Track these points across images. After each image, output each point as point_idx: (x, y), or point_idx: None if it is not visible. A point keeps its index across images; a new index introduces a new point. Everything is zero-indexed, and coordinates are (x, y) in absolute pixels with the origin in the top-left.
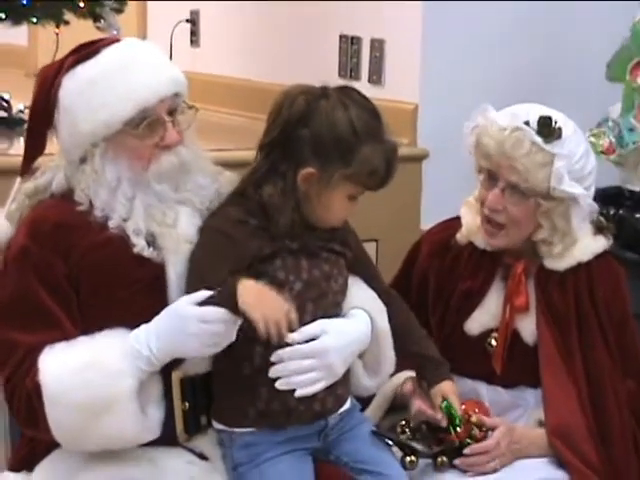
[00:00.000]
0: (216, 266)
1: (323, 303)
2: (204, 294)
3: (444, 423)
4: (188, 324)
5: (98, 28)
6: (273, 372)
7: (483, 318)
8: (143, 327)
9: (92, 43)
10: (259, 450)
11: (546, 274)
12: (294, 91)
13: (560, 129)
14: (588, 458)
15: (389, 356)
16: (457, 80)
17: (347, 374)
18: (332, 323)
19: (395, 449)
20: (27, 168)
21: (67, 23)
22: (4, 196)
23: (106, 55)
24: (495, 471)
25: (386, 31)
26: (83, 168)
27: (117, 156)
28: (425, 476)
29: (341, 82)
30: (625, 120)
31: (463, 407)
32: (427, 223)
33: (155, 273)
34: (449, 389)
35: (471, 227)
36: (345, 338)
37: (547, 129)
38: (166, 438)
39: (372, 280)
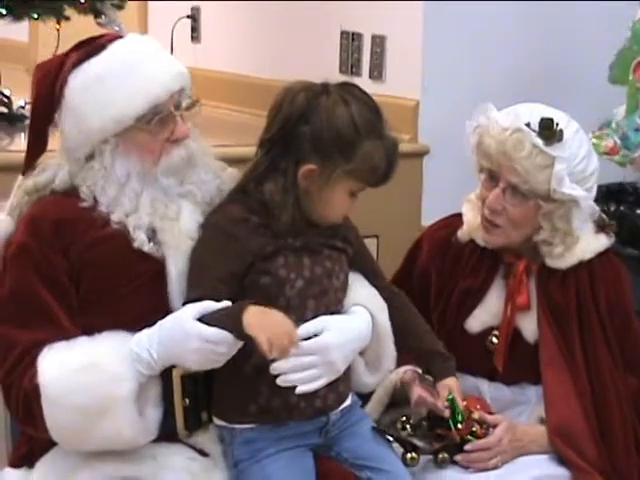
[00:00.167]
0: (217, 264)
1: (325, 300)
2: (209, 306)
3: (446, 413)
4: (191, 341)
5: (99, 24)
6: (274, 369)
7: (484, 316)
8: (145, 332)
9: (93, 39)
10: (260, 446)
11: (547, 273)
12: (295, 87)
13: (562, 131)
14: (589, 456)
15: (390, 353)
16: (458, 76)
17: (348, 371)
18: (334, 320)
19: (396, 445)
20: (30, 165)
21: (68, 19)
22: (5, 192)
23: (113, 51)
24: (496, 468)
25: (387, 27)
26: (91, 165)
27: (127, 152)
28: (426, 472)
29: (342, 78)
30: (630, 120)
31: (464, 403)
32: (428, 219)
33: (156, 269)
34: (454, 385)
35: (472, 225)
36: (347, 335)
37: (548, 131)
38: (166, 434)
39: (373, 277)
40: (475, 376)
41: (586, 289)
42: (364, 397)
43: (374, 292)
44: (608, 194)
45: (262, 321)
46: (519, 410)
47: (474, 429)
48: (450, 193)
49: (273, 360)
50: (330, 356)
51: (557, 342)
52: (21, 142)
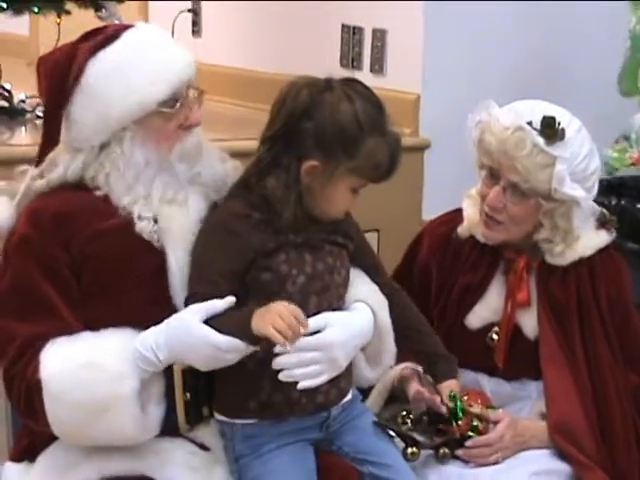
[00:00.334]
0: (218, 260)
1: (327, 296)
2: (214, 306)
3: (443, 409)
4: (202, 347)
5: (99, 17)
6: (276, 364)
7: (484, 312)
8: (150, 332)
9: (100, 30)
10: (261, 442)
11: (548, 269)
12: (298, 83)
13: (563, 130)
14: (589, 452)
15: (390, 348)
16: (459, 70)
17: (349, 367)
18: (337, 316)
19: (397, 440)
20: (44, 156)
21: (68, 13)
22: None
23: (127, 39)
24: (497, 463)
25: (388, 21)
26: (108, 152)
27: (145, 138)
28: (427, 467)
29: (343, 72)
30: None
31: (465, 398)
32: (429, 213)
33: (157, 262)
34: (455, 387)
35: (472, 221)
36: (349, 332)
37: (550, 130)
38: (168, 429)
39: (374, 272)
40: (475, 371)
41: (586, 285)
42: (364, 392)
43: (375, 288)
44: (609, 188)
45: (266, 315)
46: (520, 405)
47: (475, 424)
48: (451, 187)
49: (275, 355)
50: (333, 353)
51: (557, 338)
52: (22, 136)
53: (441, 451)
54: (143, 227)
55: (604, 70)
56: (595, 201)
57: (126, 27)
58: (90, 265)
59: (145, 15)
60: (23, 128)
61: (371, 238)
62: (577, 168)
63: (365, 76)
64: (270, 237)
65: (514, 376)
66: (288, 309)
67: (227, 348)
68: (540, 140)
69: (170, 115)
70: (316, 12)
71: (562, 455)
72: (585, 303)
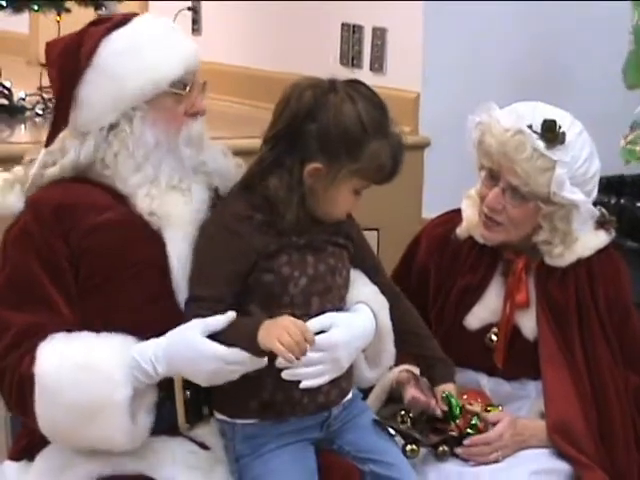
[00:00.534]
0: (220, 262)
1: (329, 297)
2: (217, 323)
3: (438, 411)
4: (208, 362)
5: (99, 16)
6: (281, 362)
7: (483, 313)
8: (151, 344)
9: (108, 18)
10: (261, 442)
11: (546, 270)
12: (302, 84)
13: (564, 134)
14: (588, 453)
15: (389, 349)
16: (459, 68)
17: (350, 368)
18: (341, 317)
19: (396, 438)
20: (54, 138)
21: (68, 11)
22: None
23: (139, 23)
24: (497, 462)
25: (388, 19)
26: (116, 132)
27: (156, 119)
28: (427, 465)
29: (343, 70)
30: None
31: (465, 397)
32: (429, 211)
33: (156, 254)
34: (452, 390)
35: (471, 221)
36: (353, 333)
37: (551, 134)
38: (167, 427)
39: (374, 274)
40: (475, 371)
41: (585, 286)
42: (363, 392)
43: (376, 290)
44: (608, 186)
45: (273, 330)
46: (519, 405)
47: (473, 422)
48: (451, 185)
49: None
50: (337, 353)
51: (556, 340)
52: (21, 134)
53: (440, 449)
54: (144, 207)
55: (604, 70)
56: (595, 200)
57: (134, 15)
58: (88, 258)
59: (145, 13)
60: (23, 126)
61: (371, 237)
62: (577, 172)
63: (365, 75)
64: (272, 239)
65: (513, 376)
66: (296, 325)
67: (235, 360)
68: (540, 144)
69: (180, 97)
70: (316, 10)
71: (562, 454)
72: (584, 304)
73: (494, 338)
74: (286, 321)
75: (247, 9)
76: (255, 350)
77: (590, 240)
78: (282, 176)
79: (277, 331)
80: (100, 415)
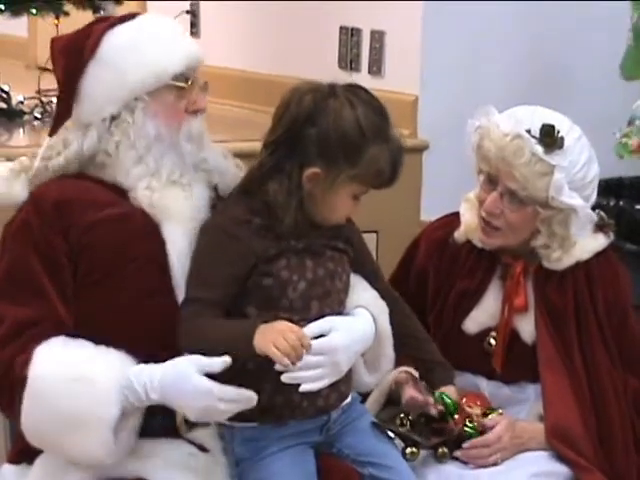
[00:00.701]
0: (219, 265)
1: (328, 301)
2: (211, 365)
3: (434, 411)
4: (200, 398)
5: (97, 19)
6: (280, 366)
7: (481, 317)
8: (148, 370)
9: (109, 17)
10: (261, 445)
11: (545, 273)
12: (302, 88)
13: (562, 139)
14: (587, 456)
15: (389, 354)
16: (457, 71)
17: (349, 372)
18: (341, 321)
19: (396, 440)
20: (58, 128)
21: (67, 14)
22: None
23: (145, 19)
24: (496, 464)
25: (386, 22)
26: (117, 122)
27: (157, 111)
28: (426, 467)
29: (341, 73)
30: None
31: (464, 400)
32: (427, 214)
33: (156, 250)
34: (451, 393)
35: (470, 225)
36: (352, 337)
37: (549, 138)
38: (167, 430)
39: (374, 279)
40: (474, 374)
41: (583, 290)
42: (361, 395)
43: (376, 294)
44: (607, 189)
45: (269, 334)
46: (518, 408)
47: (471, 423)
48: (449, 188)
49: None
50: (337, 357)
51: (555, 343)
52: (20, 137)
53: (440, 451)
54: (144, 200)
55: (604, 71)
56: (593, 203)
57: (138, 13)
58: (88, 254)
59: None
60: (21, 130)
61: (370, 239)
62: (575, 177)
63: (363, 78)
64: (271, 243)
65: (512, 379)
66: (292, 330)
67: (226, 398)
68: (539, 148)
69: (182, 93)
70: (314, 13)
71: (561, 457)
72: (582, 307)
73: (493, 342)
74: (282, 325)
75: (245, 12)
76: (250, 352)
77: (589, 243)
78: (282, 181)
79: (273, 335)
80: (84, 428)
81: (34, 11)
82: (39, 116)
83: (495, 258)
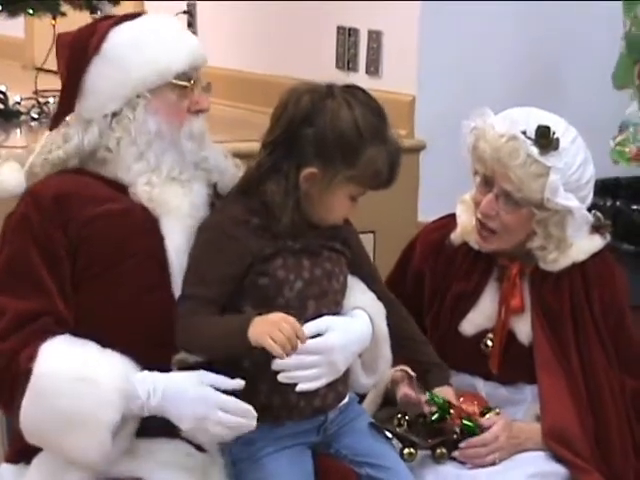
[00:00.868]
0: (216, 263)
1: (325, 301)
2: (229, 383)
3: (426, 409)
4: (202, 405)
5: (95, 19)
6: (277, 365)
7: (478, 319)
8: (152, 376)
9: (113, 15)
10: (258, 446)
11: (541, 275)
12: (300, 89)
13: (558, 140)
14: (584, 456)
15: (386, 356)
16: (454, 71)
17: (347, 372)
18: (338, 321)
19: (394, 441)
20: (59, 122)
21: (64, 15)
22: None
23: (150, 18)
24: (494, 464)
25: (383, 22)
26: (119, 119)
27: (157, 110)
28: (424, 467)
29: (338, 74)
30: None
31: (461, 400)
32: (424, 214)
33: (154, 245)
34: (448, 393)
35: (466, 227)
36: (349, 337)
37: (544, 140)
38: (164, 429)
39: (371, 281)
40: (471, 375)
41: (580, 291)
42: (359, 395)
43: (373, 296)
44: (604, 189)
45: (264, 325)
46: (515, 409)
47: (468, 423)
48: (446, 188)
49: (274, 357)
50: (333, 356)
51: (551, 345)
52: (17, 138)
53: (438, 451)
54: (143, 195)
55: (604, 71)
56: (590, 203)
57: (143, 12)
58: (87, 247)
59: None
60: (18, 130)
61: (366, 239)
62: (571, 178)
63: (361, 78)
64: (268, 242)
65: (509, 380)
66: (287, 321)
67: (229, 408)
68: (534, 150)
69: (184, 92)
70: (312, 14)
71: (559, 457)
72: (579, 308)
73: (489, 344)
74: (277, 317)
75: (243, 12)
76: (245, 344)
77: (585, 245)
78: (279, 181)
79: (268, 327)
80: (83, 428)
81: (31, 11)
82: (36, 116)
83: (491, 260)
